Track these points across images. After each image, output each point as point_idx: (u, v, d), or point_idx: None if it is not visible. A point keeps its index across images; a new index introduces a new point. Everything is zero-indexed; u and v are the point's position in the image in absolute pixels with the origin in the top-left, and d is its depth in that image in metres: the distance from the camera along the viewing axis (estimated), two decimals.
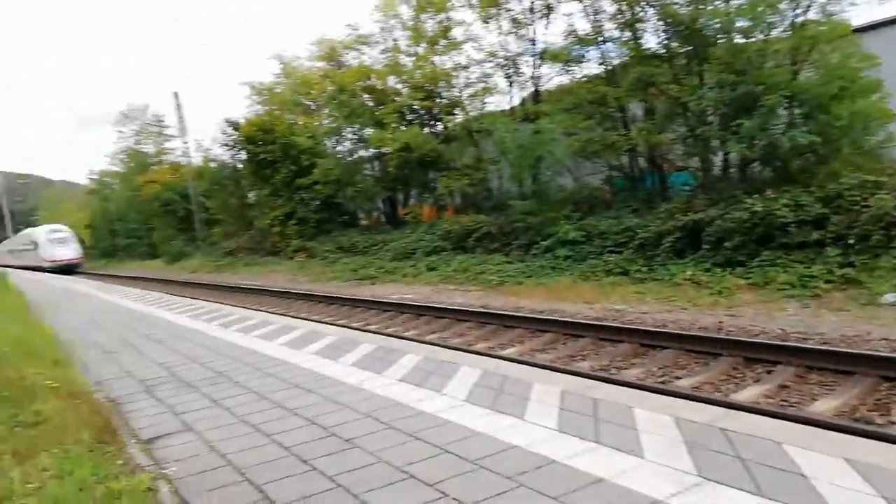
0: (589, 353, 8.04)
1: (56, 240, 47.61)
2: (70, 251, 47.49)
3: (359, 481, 3.15)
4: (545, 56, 21.29)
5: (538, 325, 9.48)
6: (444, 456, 3.40)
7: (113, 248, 59.95)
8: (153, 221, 49.35)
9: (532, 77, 22.77)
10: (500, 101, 24.97)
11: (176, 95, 42.78)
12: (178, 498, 3.09)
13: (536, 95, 22.53)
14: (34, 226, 66.34)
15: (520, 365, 5.58)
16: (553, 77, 21.99)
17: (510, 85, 23.85)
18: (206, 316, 10.32)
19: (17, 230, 69.64)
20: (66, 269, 44.20)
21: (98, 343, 8.22)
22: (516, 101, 23.82)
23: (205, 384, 5.44)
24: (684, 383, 6.39)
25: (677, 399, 4.54)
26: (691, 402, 4.27)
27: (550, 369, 5.99)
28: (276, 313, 11.93)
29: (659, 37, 16.56)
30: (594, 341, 8.42)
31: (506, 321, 10.01)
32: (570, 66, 19.73)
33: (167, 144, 54.50)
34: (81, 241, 58.45)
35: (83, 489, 2.99)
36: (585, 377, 5.49)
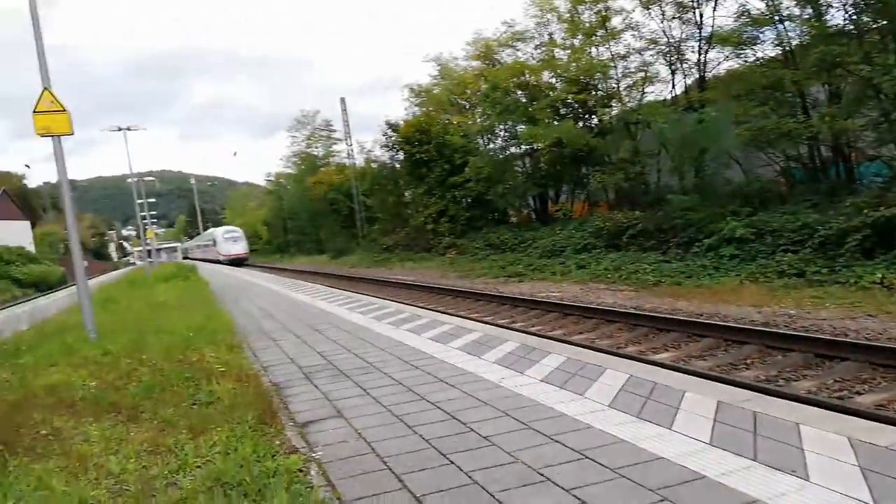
0: (753, 362, 7.38)
1: (230, 238, 57.71)
2: (240, 248, 57.05)
3: (494, 480, 3.13)
4: (713, 40, 19.93)
5: (696, 328, 8.89)
6: (583, 461, 3.29)
7: (286, 244, 65.48)
8: (320, 219, 53.20)
9: (697, 63, 21.48)
10: (660, 91, 23.84)
11: (342, 101, 45.76)
12: (326, 480, 3.27)
13: (702, 82, 21.18)
14: (220, 223, 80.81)
15: (672, 371, 5.24)
16: (721, 62, 20.63)
17: (672, 73, 22.72)
18: (362, 308, 10.90)
19: (205, 227, 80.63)
20: (237, 261, 52.46)
21: (267, 331, 9.00)
22: (679, 90, 22.61)
23: (357, 373, 5.73)
24: (866, 400, 5.66)
25: (855, 418, 4.01)
26: (873, 423, 3.76)
27: (706, 377, 5.58)
28: (426, 308, 12.32)
29: (846, 12, 14.89)
30: (760, 349, 7.73)
31: (660, 324, 9.50)
32: (741, 49, 18.31)
33: (334, 147, 58.43)
34: (258, 238, 67.77)
35: (243, 465, 3.27)
36: (747, 388, 5.03)
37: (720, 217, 15.67)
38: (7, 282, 45.22)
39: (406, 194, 39.52)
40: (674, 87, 22.86)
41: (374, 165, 44.67)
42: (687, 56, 21.94)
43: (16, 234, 60.56)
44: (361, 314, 10.10)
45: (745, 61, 18.53)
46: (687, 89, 22.28)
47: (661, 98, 23.31)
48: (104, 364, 6.33)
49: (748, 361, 7.44)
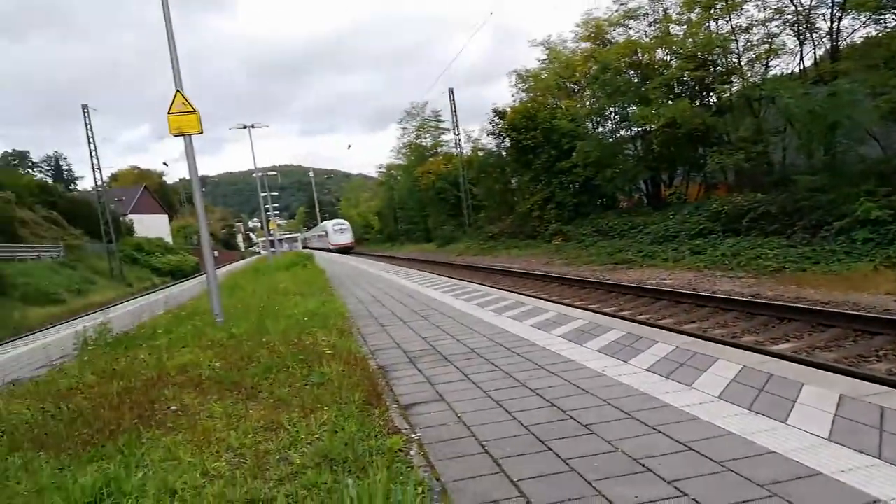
0: (886, 354, 6.75)
1: (338, 230, 67.30)
2: (346, 238, 66.33)
3: (593, 468, 3.08)
4: (847, 5, 18.21)
5: (821, 318, 8.24)
6: (687, 453, 3.17)
7: (396, 233, 67.42)
8: (428, 208, 54.23)
9: (829, 32, 19.75)
10: (786, 64, 22.12)
11: (451, 92, 46.16)
12: (426, 461, 3.36)
13: (834, 53, 19.46)
14: (336, 215, 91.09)
15: (790, 363, 4.90)
16: (857, 29, 18.82)
17: (800, 44, 21.01)
18: (466, 295, 11.03)
19: (323, 218, 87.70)
20: (344, 250, 60.89)
21: (375, 316, 9.33)
22: (807, 62, 20.88)
23: (459, 359, 5.82)
24: None
25: None
26: None
27: (829, 370, 5.17)
28: (530, 295, 12.25)
29: None
30: (894, 340, 7.04)
31: (781, 312, 8.88)
32: (880, 14, 16.64)
33: (442, 137, 59.18)
34: (370, 227, 72.77)
35: (348, 444, 3.43)
36: (875, 381, 4.60)
37: (853, 197, 14.37)
38: (147, 270, 49.87)
39: (512, 181, 39.39)
40: (802, 59, 21.15)
41: (480, 153, 44.86)
42: (817, 25, 20.22)
43: (156, 226, 66.58)
44: (465, 301, 10.23)
45: (885, 27, 16.80)
46: (817, 61, 20.53)
47: (788, 71, 21.65)
48: (228, 346, 6.82)
49: (879, 354, 6.82)
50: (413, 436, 3.73)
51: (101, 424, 4.09)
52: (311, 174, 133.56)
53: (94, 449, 3.68)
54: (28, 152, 78.34)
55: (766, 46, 21.91)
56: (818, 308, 8.89)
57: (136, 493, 2.96)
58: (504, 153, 38.65)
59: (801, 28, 20.55)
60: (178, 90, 8.97)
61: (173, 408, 4.43)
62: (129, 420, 4.12)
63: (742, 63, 22.82)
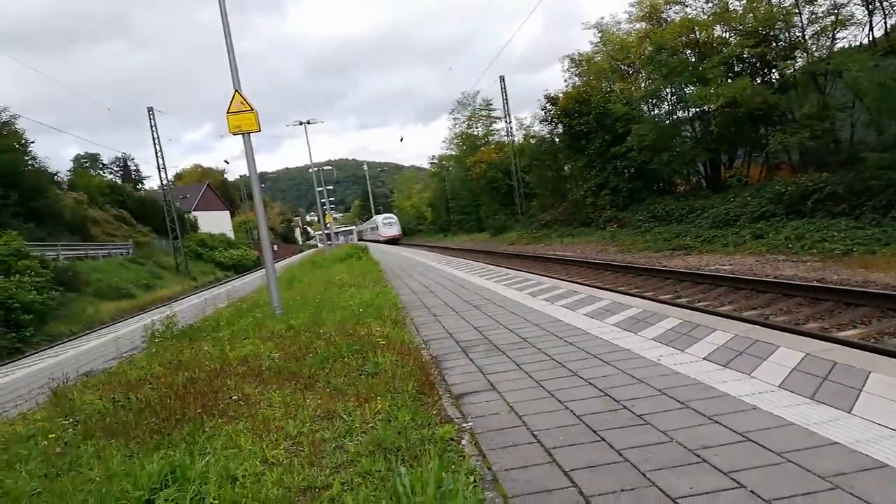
0: None
1: (387, 223, 74.29)
2: (394, 230, 73.03)
3: (647, 459, 3.04)
4: None
5: (892, 302, 7.85)
6: (745, 444, 3.08)
7: (448, 223, 67.69)
8: (480, 198, 54.19)
9: None
10: (854, 36, 20.96)
11: (502, 79, 45.91)
12: (477, 450, 3.39)
13: None
14: (390, 206, 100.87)
15: (856, 350, 4.69)
16: None
17: (870, 13, 19.88)
18: (518, 285, 10.99)
19: (377, 211, 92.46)
20: (392, 241, 66.57)
21: (428, 306, 9.41)
22: (877, 33, 19.74)
23: (511, 348, 5.82)
24: None
25: None
26: None
27: None
28: (583, 283, 12.11)
29: None
30: None
31: (847, 297, 8.51)
32: None
33: (494, 126, 58.96)
34: (424, 218, 75.87)
35: (401, 432, 3.49)
36: None
37: None
38: (211, 265, 51.66)
39: (565, 168, 38.88)
40: (871, 29, 20.02)
41: (532, 141, 44.44)
42: None
43: (218, 222, 68.88)
44: (517, 290, 10.19)
45: None
46: (888, 31, 19.39)
47: (856, 44, 20.53)
48: (287, 337, 7.03)
49: None
50: (465, 425, 3.76)
51: (168, 414, 4.28)
52: (366, 167, 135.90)
53: (161, 437, 3.86)
54: (99, 155, 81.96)
55: (833, 18, 20.83)
56: (887, 292, 8.45)
57: (199, 479, 3.09)
58: (556, 140, 38.17)
59: None
60: (236, 90, 9.23)
61: (235, 397, 4.60)
62: (194, 409, 4.30)
63: (806, 37, 21.80)
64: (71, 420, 4.65)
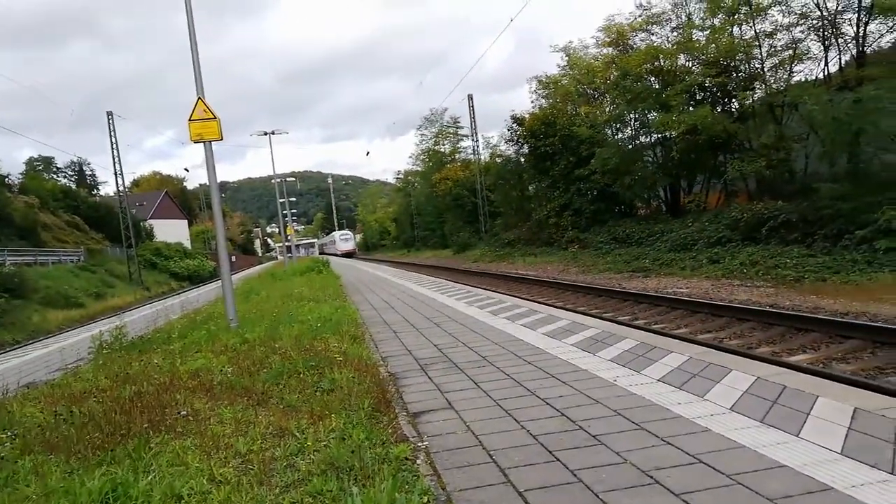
0: None
1: (343, 239, 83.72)
2: (350, 245, 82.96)
3: (601, 480, 3.04)
4: (874, 10, 17.97)
5: (840, 329, 8.10)
6: (696, 466, 3.11)
7: (412, 239, 67.67)
8: (445, 215, 54.35)
9: (855, 37, 19.45)
10: (810, 70, 21.88)
11: (470, 98, 46.31)
12: (432, 470, 3.34)
13: (860, 58, 19.17)
14: (354, 220, 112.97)
15: (805, 375, 4.81)
16: (884, 34, 18.62)
17: (825, 49, 20.76)
18: (480, 303, 11.00)
19: (340, 224, 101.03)
20: (348, 255, 74.18)
21: (388, 322, 9.33)
22: (832, 68, 20.62)
23: (470, 366, 5.80)
24: None
25: None
26: None
27: (845, 382, 5.07)
28: (544, 303, 12.19)
29: None
30: None
31: (798, 323, 8.74)
32: None
33: (461, 143, 59.34)
34: (387, 233, 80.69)
35: (354, 451, 3.41)
36: (894, 395, 4.51)
37: (876, 206, 14.13)
38: (166, 275, 50.44)
39: (529, 188, 39.32)
40: (827, 64, 20.90)
41: (498, 160, 44.86)
42: (843, 30, 19.97)
43: (175, 231, 67.37)
44: (478, 308, 10.19)
45: None
46: (842, 67, 20.26)
47: (812, 78, 21.41)
48: (241, 351, 6.86)
49: None
50: (420, 444, 3.71)
51: (112, 428, 4.11)
52: (330, 180, 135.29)
53: (104, 453, 3.70)
54: (53, 158, 79.53)
55: (790, 52, 21.73)
56: (836, 319, 8.74)
57: (142, 497, 2.97)
58: (522, 160, 38.62)
59: (826, 33, 20.34)
60: (199, 97, 9.08)
61: (184, 413, 4.45)
62: (140, 424, 4.14)
63: (765, 69, 22.64)
64: (9, 433, 4.43)
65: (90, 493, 2.98)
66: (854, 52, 19.66)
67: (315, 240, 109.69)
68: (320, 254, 78.00)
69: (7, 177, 45.06)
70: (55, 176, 74.48)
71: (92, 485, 3.05)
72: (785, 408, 3.84)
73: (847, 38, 19.91)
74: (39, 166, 75.67)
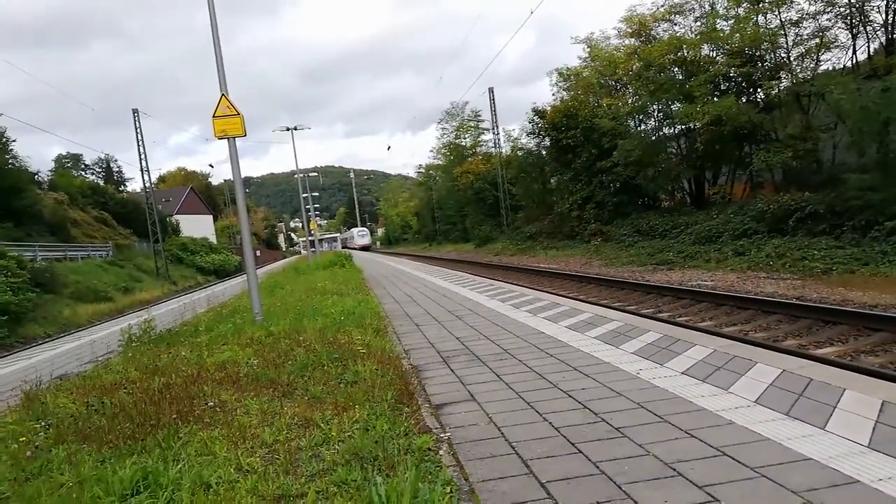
0: None
1: (361, 235, 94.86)
2: (366, 241, 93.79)
3: (623, 472, 3.05)
4: None
5: (869, 321, 7.95)
6: (720, 459, 3.10)
7: (434, 233, 67.75)
8: (466, 208, 54.29)
9: (884, 24, 19.00)
10: (837, 59, 21.40)
11: (490, 91, 46.21)
12: (455, 461, 3.37)
13: (889, 46, 18.72)
14: (375, 215, 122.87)
15: (832, 367, 4.75)
16: None
17: (853, 37, 20.28)
18: (502, 296, 11.00)
19: (362, 218, 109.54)
20: (364, 248, 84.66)
21: (410, 315, 9.38)
22: (860, 57, 20.16)
23: (492, 359, 5.82)
24: None
25: None
26: None
27: (874, 375, 5.00)
28: (566, 296, 12.15)
29: None
30: None
31: (825, 315, 8.61)
32: None
33: (482, 137, 59.17)
34: (409, 227, 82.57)
35: (378, 442, 3.46)
36: None
37: None
38: (192, 269, 51.12)
39: (551, 181, 39.11)
40: (855, 53, 20.43)
41: (520, 153, 44.68)
42: (871, 17, 19.50)
43: (201, 226, 68.26)
44: (500, 301, 10.20)
45: None
46: (870, 55, 19.79)
47: (839, 66, 20.94)
48: (266, 344, 6.96)
49: None
50: (443, 435, 3.74)
51: (142, 419, 4.21)
52: (352, 175, 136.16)
53: (135, 442, 3.80)
54: (81, 155, 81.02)
55: (817, 41, 21.25)
56: (865, 311, 8.58)
57: (171, 485, 3.04)
58: (543, 152, 38.41)
59: (854, 21, 19.88)
60: (223, 94, 9.19)
61: (211, 404, 4.54)
62: (169, 415, 4.24)
63: (791, 58, 22.19)
64: (43, 424, 4.56)
65: (122, 482, 3.06)
66: (883, 39, 19.21)
67: (338, 234, 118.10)
68: (343, 248, 79.88)
69: (37, 174, 46.04)
70: (83, 173, 75.92)
71: (123, 473, 3.13)
72: (811, 401, 3.80)
73: (876, 25, 19.49)
74: (68, 163, 77.13)
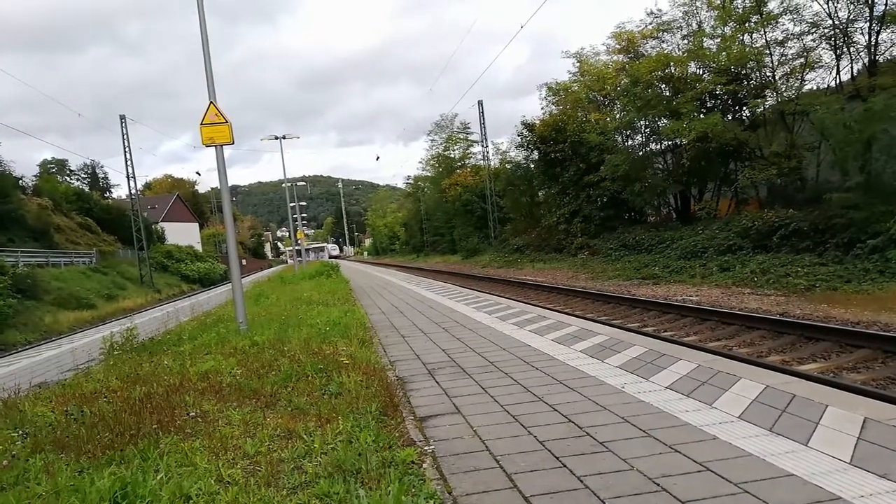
0: None
1: (332, 249, 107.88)
2: (336, 252, 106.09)
3: (607, 486, 3.04)
4: (886, 19, 17.88)
5: (851, 338, 8.03)
6: (703, 474, 3.10)
7: (421, 244, 67.71)
8: (454, 220, 54.34)
9: (867, 46, 19.32)
10: (822, 79, 21.75)
11: (480, 104, 46.43)
12: (438, 474, 3.34)
13: (872, 67, 19.04)
14: (363, 225, 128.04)
15: (815, 384, 4.78)
16: None
17: (837, 58, 20.62)
18: (488, 308, 10.99)
19: (349, 228, 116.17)
20: (335, 258, 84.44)
21: (396, 327, 9.35)
22: (844, 77, 20.49)
23: (477, 372, 5.80)
24: None
25: None
26: None
27: (856, 392, 5.03)
28: (553, 309, 12.16)
29: None
30: None
31: (808, 332, 8.68)
32: None
33: (471, 149, 59.38)
34: (396, 238, 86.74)
35: (361, 454, 3.43)
36: None
37: (888, 215, 14.02)
38: (176, 277, 50.70)
39: (539, 194, 39.30)
40: (838, 73, 20.75)
41: (508, 166, 44.87)
42: (855, 39, 19.86)
43: (187, 234, 67.78)
44: (487, 314, 10.20)
45: None
46: (854, 75, 20.13)
47: (824, 86, 21.28)
48: (250, 354, 6.89)
49: None
50: (427, 448, 3.72)
51: (122, 429, 4.14)
52: (340, 185, 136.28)
53: (114, 452, 3.73)
54: (67, 161, 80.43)
55: (802, 60, 21.61)
56: (847, 328, 8.66)
57: (150, 497, 2.99)
58: (532, 166, 38.60)
59: (838, 42, 20.22)
60: (211, 101, 9.15)
61: (192, 414, 4.48)
62: (149, 425, 4.17)
63: (776, 77, 22.52)
64: (20, 432, 4.47)
65: (99, 492, 3.01)
66: (866, 60, 19.54)
67: (325, 244, 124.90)
68: (330, 258, 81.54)
69: (21, 179, 45.52)
70: (68, 178, 75.29)
71: (101, 484, 3.08)
72: (794, 416, 3.82)
73: (859, 46, 19.82)
74: (53, 169, 76.46)
